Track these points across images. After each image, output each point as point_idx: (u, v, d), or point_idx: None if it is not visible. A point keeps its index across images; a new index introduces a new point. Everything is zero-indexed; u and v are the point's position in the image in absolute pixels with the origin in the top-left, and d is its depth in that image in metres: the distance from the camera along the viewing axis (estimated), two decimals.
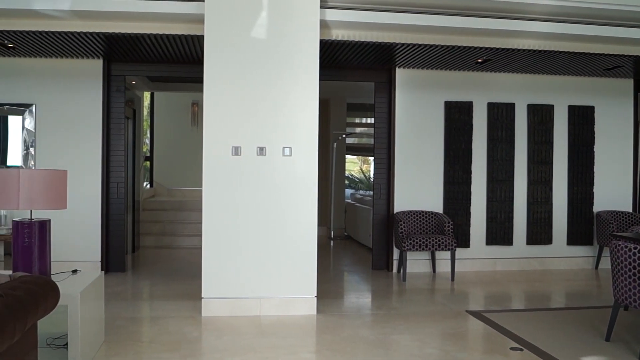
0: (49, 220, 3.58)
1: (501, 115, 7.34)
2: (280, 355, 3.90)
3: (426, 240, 6.56)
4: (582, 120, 7.55)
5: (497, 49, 5.98)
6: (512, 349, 4.10)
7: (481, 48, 5.96)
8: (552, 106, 7.48)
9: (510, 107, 7.35)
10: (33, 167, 6.46)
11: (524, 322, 4.78)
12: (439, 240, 6.58)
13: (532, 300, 5.91)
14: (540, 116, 7.44)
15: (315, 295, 5.08)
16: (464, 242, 7.24)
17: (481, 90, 7.30)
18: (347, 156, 12.20)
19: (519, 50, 6.03)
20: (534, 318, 4.96)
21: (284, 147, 5.00)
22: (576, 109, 7.54)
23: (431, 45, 5.88)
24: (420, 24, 5.61)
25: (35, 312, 2.44)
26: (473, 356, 3.96)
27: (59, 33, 5.40)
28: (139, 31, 5.47)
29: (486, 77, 7.30)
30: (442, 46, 5.89)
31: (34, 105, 6.52)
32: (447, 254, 6.97)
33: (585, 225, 7.58)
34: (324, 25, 5.45)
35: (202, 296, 4.95)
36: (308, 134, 5.03)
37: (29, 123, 6.52)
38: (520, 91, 7.41)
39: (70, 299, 3.38)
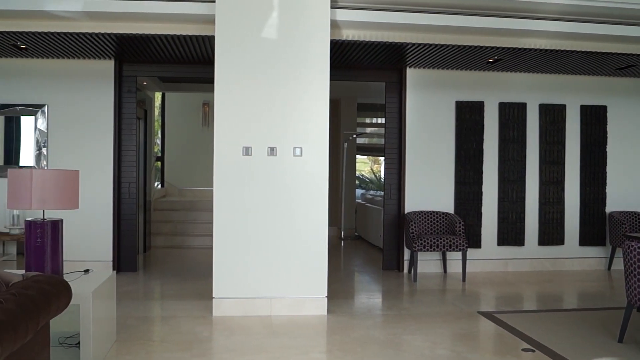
0: (61, 220, 3.61)
1: (513, 115, 7.29)
2: (291, 356, 3.90)
3: (437, 240, 6.54)
4: (595, 120, 7.49)
5: (509, 48, 5.94)
6: (523, 350, 4.07)
7: (492, 48, 5.93)
8: (564, 106, 7.42)
9: (521, 107, 7.31)
10: (45, 168, 6.51)
11: (536, 323, 4.75)
12: (450, 241, 6.55)
13: (544, 301, 5.87)
14: (552, 116, 7.39)
15: (326, 295, 5.07)
16: (475, 242, 7.20)
17: (492, 90, 7.26)
18: (357, 156, 12.19)
19: (530, 49, 5.99)
20: (545, 319, 4.92)
21: (294, 147, 5.00)
22: (588, 109, 7.47)
23: (442, 45, 5.86)
24: (431, 23, 5.59)
25: (47, 312, 2.45)
26: (484, 357, 3.93)
27: (71, 34, 5.44)
28: (150, 32, 5.50)
29: (497, 76, 7.26)
30: (453, 46, 5.86)
31: (46, 106, 6.58)
32: (458, 255, 6.95)
33: (598, 225, 7.51)
34: (334, 25, 5.45)
35: (213, 296, 4.97)
36: (319, 134, 5.03)
37: (42, 123, 6.57)
38: (532, 91, 7.36)
39: (82, 299, 3.41)
